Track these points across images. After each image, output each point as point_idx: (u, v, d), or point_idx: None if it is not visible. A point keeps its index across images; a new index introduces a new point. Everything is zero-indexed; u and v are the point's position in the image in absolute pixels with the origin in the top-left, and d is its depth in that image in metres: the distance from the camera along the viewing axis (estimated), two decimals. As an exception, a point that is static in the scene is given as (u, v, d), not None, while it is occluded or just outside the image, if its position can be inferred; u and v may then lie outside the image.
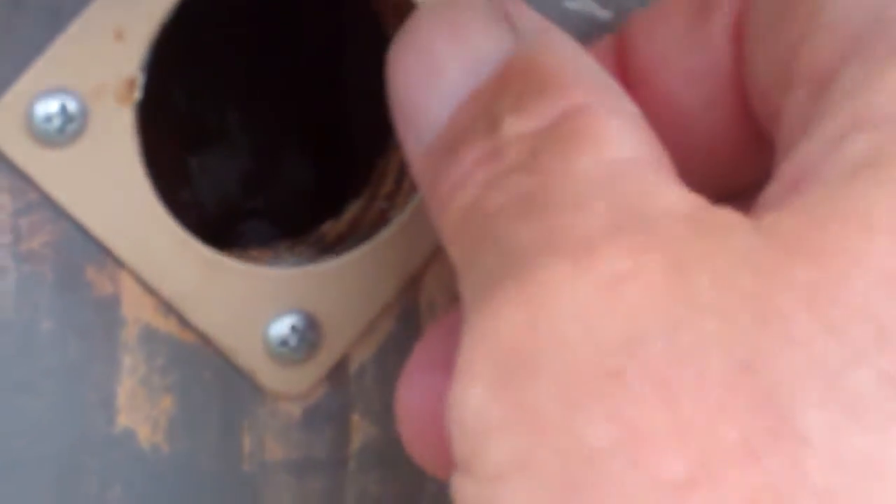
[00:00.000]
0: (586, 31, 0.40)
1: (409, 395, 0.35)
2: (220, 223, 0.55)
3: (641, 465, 0.24)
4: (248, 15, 0.49)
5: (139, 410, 0.38)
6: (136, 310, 0.38)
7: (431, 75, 0.34)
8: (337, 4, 0.51)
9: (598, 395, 0.24)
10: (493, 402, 0.26)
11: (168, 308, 0.38)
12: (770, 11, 0.32)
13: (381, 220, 0.41)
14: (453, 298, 0.40)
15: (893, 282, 0.23)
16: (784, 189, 0.27)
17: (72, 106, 0.37)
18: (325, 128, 0.59)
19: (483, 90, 0.33)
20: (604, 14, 0.41)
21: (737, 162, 0.35)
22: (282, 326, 0.39)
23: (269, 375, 0.39)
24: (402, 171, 0.42)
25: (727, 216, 0.26)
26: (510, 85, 0.32)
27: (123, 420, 0.38)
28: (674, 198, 0.27)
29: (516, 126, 0.30)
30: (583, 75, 0.32)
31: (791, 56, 0.30)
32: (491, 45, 0.33)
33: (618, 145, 0.29)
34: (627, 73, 0.36)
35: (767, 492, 0.23)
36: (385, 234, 0.40)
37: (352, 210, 0.43)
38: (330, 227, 0.43)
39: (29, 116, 0.36)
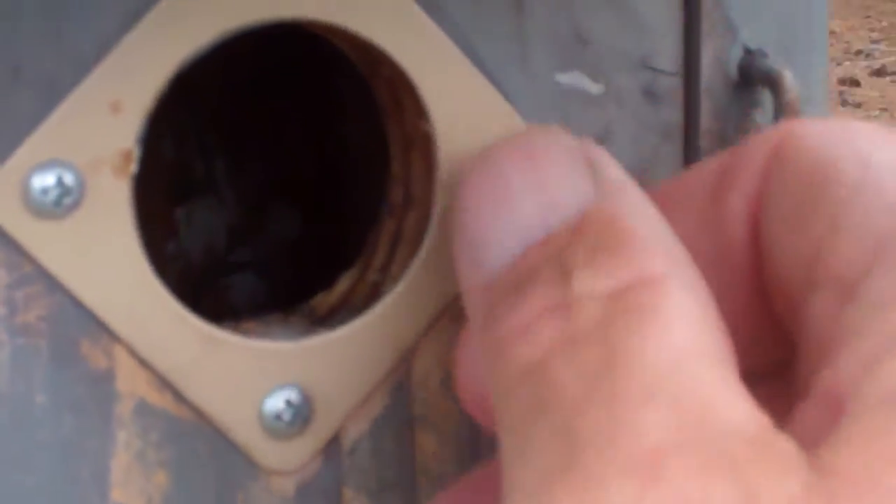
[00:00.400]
0: (578, 105, 0.41)
1: None
2: (205, 275, 0.55)
3: None
4: (241, 69, 0.49)
5: (133, 485, 0.38)
6: (131, 384, 0.38)
7: (504, 207, 0.33)
8: (331, 68, 0.51)
9: None
10: None
11: (163, 382, 0.38)
12: (789, 208, 0.32)
13: (374, 293, 0.41)
14: (447, 374, 0.40)
15: None
16: (824, 412, 0.27)
17: (69, 178, 0.37)
18: (313, 183, 0.59)
19: (557, 236, 0.32)
20: (596, 88, 0.41)
21: (753, 339, 0.35)
22: (277, 401, 0.39)
23: (264, 450, 0.39)
24: (395, 242, 0.42)
25: (787, 448, 0.26)
26: (585, 237, 0.32)
27: (117, 496, 0.38)
28: (738, 414, 0.27)
29: (588, 283, 0.30)
30: (659, 242, 0.31)
31: (813, 256, 0.30)
32: (570, 190, 0.33)
33: (686, 331, 0.29)
34: None
35: None
36: (378, 309, 0.40)
37: (344, 282, 0.43)
38: (321, 300, 0.43)
39: (26, 189, 0.36)
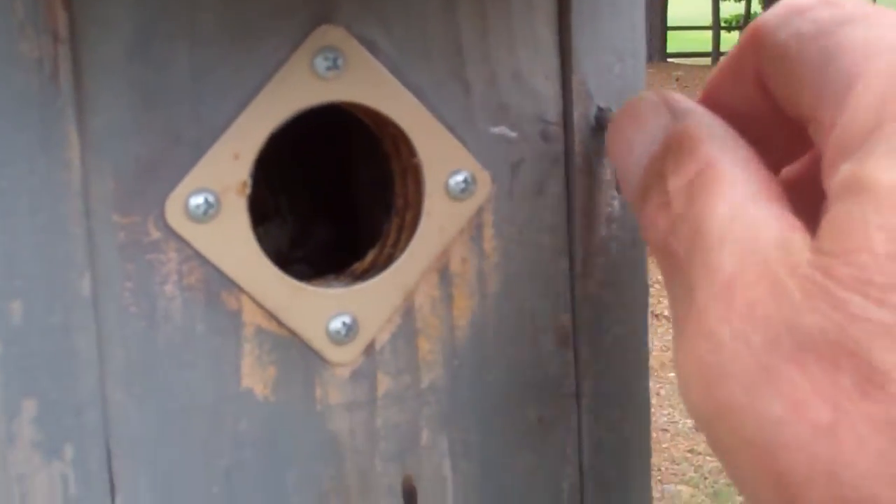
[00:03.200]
0: (503, 145, 0.44)
1: None
2: (278, 266, 0.58)
3: None
4: (294, 136, 0.52)
5: (256, 376, 0.42)
6: (252, 316, 0.42)
7: (627, 149, 0.36)
8: (346, 128, 0.54)
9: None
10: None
11: (271, 315, 0.42)
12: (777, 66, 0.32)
13: (389, 259, 0.45)
14: (434, 302, 0.44)
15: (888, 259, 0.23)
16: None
17: (211, 198, 0.40)
18: (341, 207, 0.62)
19: (655, 157, 0.33)
20: (513, 134, 0.44)
21: (779, 155, 0.36)
22: (337, 323, 0.42)
23: (330, 352, 0.43)
24: (400, 229, 0.45)
25: (798, 241, 0.26)
26: (670, 151, 0.32)
27: (245, 382, 0.42)
28: (772, 229, 0.27)
29: (675, 181, 0.31)
30: (713, 137, 0.31)
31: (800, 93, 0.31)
32: (658, 126, 0.35)
33: (739, 188, 0.29)
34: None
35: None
36: (393, 267, 0.44)
37: (371, 255, 0.46)
38: (358, 266, 0.46)
39: (185, 205, 0.40)
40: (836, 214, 0.25)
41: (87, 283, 0.38)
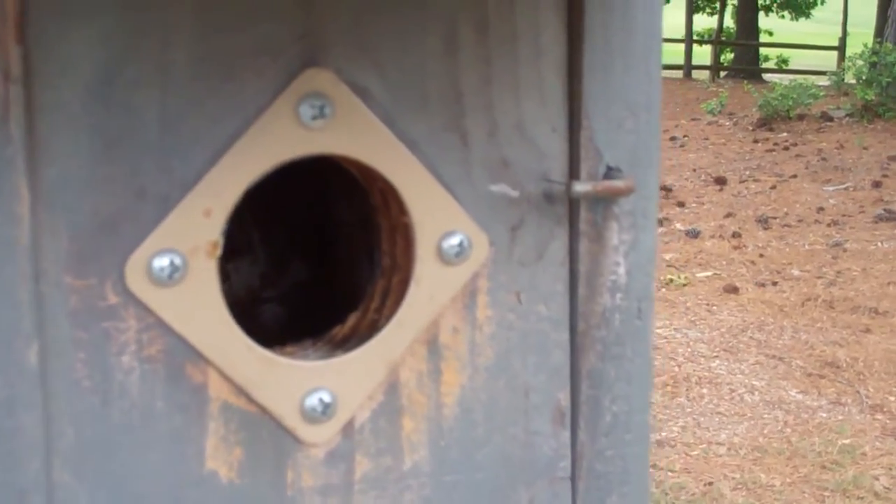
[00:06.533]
0: (503, 204, 0.40)
1: None
2: (246, 306, 0.54)
3: None
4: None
5: (220, 457, 0.38)
6: (218, 392, 0.37)
7: None
8: (323, 171, 0.51)
9: None
10: None
11: (239, 390, 0.38)
12: None
13: (373, 327, 0.41)
14: (420, 379, 0.40)
15: None
16: None
17: (177, 260, 0.36)
18: (317, 245, 0.58)
19: None
20: (514, 193, 0.40)
21: None
22: (312, 400, 0.39)
23: (304, 432, 0.39)
24: (385, 293, 0.41)
25: None
26: None
27: (210, 464, 0.38)
28: None
29: None
30: None
31: None
32: None
33: None
34: None
35: None
36: (377, 338, 0.40)
37: (352, 319, 0.42)
38: (338, 331, 0.42)
39: (148, 267, 0.36)
40: None
41: (34, 354, 0.34)
